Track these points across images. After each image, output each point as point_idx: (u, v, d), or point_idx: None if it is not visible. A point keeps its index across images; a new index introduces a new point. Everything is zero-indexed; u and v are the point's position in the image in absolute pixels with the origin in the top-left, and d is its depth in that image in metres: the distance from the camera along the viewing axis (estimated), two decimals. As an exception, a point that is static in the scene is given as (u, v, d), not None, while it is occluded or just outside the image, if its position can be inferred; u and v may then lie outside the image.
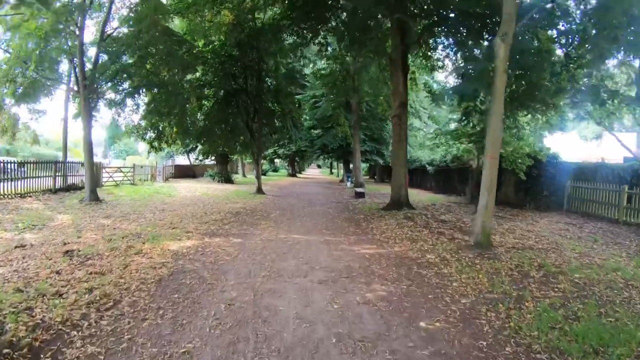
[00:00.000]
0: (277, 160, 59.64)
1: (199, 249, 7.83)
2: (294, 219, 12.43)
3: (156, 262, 6.70)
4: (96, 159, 21.14)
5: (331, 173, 67.04)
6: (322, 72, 23.69)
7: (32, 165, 16.26)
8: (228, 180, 29.95)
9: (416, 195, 21.41)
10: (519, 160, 16.91)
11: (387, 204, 15.65)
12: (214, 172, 30.92)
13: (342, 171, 58.63)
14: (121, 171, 23.50)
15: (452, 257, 7.87)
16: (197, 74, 19.80)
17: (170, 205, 14.66)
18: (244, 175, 41.29)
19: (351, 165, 39.96)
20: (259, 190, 20.10)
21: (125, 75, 15.95)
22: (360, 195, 20.64)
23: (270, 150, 42.55)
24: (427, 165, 29.76)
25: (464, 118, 14.82)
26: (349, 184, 30.74)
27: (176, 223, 10.73)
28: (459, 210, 16.10)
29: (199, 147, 24.96)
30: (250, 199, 17.90)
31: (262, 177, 44.98)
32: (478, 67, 11.71)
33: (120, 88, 16.15)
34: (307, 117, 36.23)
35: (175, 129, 17.22)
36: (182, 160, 38.60)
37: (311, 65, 33.12)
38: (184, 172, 34.64)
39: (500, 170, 18.12)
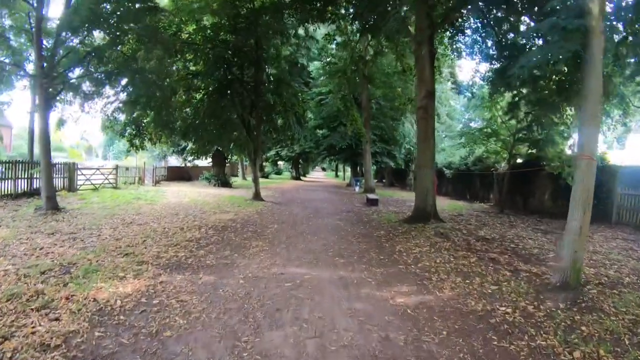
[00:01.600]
0: (280, 163, 56.85)
1: (143, 299, 4.97)
2: (296, 237, 9.53)
3: (58, 332, 3.89)
4: (97, 161, 18.98)
5: (337, 176, 64.15)
6: (330, 58, 20.65)
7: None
8: (225, 183, 27.16)
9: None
10: (568, 164, 14.11)
11: (411, 216, 12.82)
12: (209, 174, 28.13)
13: (348, 174, 55.88)
14: (101, 173, 20.73)
15: (536, 310, 5.19)
16: (188, 63, 17.06)
17: (143, 216, 11.84)
18: (244, 178, 38.52)
19: (359, 168, 37.29)
20: (257, 196, 17.26)
21: (96, 59, 13.24)
22: (373, 202, 17.78)
23: (272, 152, 39.80)
24: (444, 169, 26.91)
25: (509, 111, 11.99)
26: (357, 188, 27.93)
27: (135, 245, 7.91)
28: (494, 223, 13.34)
29: (190, 146, 21.90)
30: (244, 207, 15.06)
31: (264, 180, 42.47)
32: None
33: (89, 75, 13.40)
34: (312, 116, 33.51)
35: (153, 124, 14.40)
36: (176, 161, 35.69)
37: (316, 63, 30.60)
38: (177, 175, 31.91)
39: (530, 174, 15.09)
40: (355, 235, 10.01)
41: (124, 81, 13.70)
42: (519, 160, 19.17)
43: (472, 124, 47.29)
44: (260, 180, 39.58)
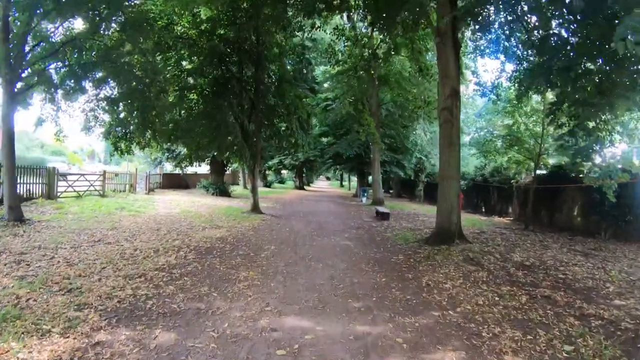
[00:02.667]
0: (284, 172, 55.11)
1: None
2: (296, 264, 7.67)
3: None
4: (99, 166, 17.48)
5: (342, 186, 62.34)
6: (339, 55, 18.81)
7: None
8: (223, 192, 25.40)
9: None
10: (612, 176, 12.30)
11: (432, 235, 10.96)
12: (207, 182, 26.37)
13: (353, 184, 54.03)
14: (86, 179, 19.00)
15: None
16: (182, 60, 15.40)
17: (117, 232, 10.04)
18: (245, 187, 36.67)
19: (367, 178, 35.48)
20: (255, 208, 15.45)
21: (74, 50, 11.63)
22: (384, 216, 15.95)
23: (275, 160, 38.06)
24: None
25: (550, 113, 10.17)
26: (364, 199, 26.12)
27: (87, 275, 6.11)
28: (524, 243, 11.77)
29: (183, 151, 19.89)
30: (240, 222, 13.24)
31: (266, 189, 40.59)
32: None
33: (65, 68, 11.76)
34: (317, 124, 31.86)
35: (136, 125, 12.66)
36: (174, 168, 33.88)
37: (322, 67, 29.00)
38: (174, 182, 30.18)
39: (555, 187, 13.52)
40: (370, 262, 8.16)
41: (104, 76, 11.99)
42: (538, 172, 17.47)
43: (482, 133, 45.66)
44: (262, 189, 38.03)
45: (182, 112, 14.18)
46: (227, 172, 35.90)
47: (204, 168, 33.06)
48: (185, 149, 16.82)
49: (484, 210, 23.91)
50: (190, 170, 41.45)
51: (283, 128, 15.90)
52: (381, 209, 17.14)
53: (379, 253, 9.15)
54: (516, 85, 14.08)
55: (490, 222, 17.81)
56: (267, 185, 43.42)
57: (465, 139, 41.15)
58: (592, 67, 9.19)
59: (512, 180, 20.37)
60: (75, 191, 17.74)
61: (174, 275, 6.31)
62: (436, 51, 11.88)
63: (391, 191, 39.11)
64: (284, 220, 14.26)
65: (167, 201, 19.53)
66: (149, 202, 18.64)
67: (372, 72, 18.10)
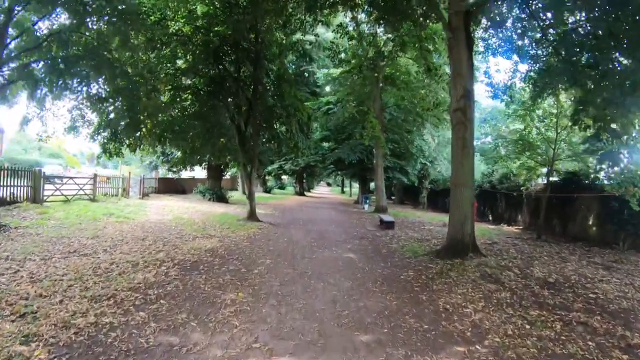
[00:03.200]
0: (284, 177, 54.18)
1: None
2: (293, 283, 6.71)
3: None
4: (98, 170, 16.60)
5: (342, 192, 61.39)
6: (343, 55, 17.79)
7: None
8: (221, 198, 24.49)
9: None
10: (636, 183, 11.48)
11: (444, 247, 10.04)
12: (204, 187, 25.43)
13: (355, 190, 53.05)
14: (75, 183, 18.09)
15: None
16: (177, 59, 14.53)
17: (97, 242, 9.13)
18: (244, 192, 35.71)
19: (372, 185, 34.57)
20: (252, 216, 14.51)
21: (58, 44, 10.79)
22: (389, 225, 15.02)
23: (275, 165, 37.16)
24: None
25: (575, 114, 9.27)
26: (366, 206, 25.21)
27: (49, 295, 5.22)
28: (540, 255, 10.93)
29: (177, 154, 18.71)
30: (234, 230, 12.31)
31: (265, 195, 39.58)
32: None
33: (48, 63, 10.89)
34: (318, 128, 31.02)
35: (122, 126, 11.76)
36: (170, 172, 32.90)
37: (323, 70, 28.19)
38: (170, 187, 29.23)
39: (567, 195, 12.64)
40: (377, 279, 7.23)
41: (89, 72, 11.11)
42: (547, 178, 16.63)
43: (489, 138, 44.73)
44: (262, 195, 37.07)
45: (176, 112, 13.25)
46: (226, 177, 35.06)
47: (202, 173, 32.10)
48: (178, 152, 15.80)
49: (491, 218, 23.01)
50: (187, 175, 40.76)
51: (282, 130, 14.94)
52: (385, 217, 16.22)
53: (387, 268, 8.22)
54: (530, 86, 13.31)
55: (499, 232, 16.93)
56: (267, 190, 42.52)
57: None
58: (624, 61, 8.33)
59: (522, 187, 19.47)
60: (63, 195, 16.84)
61: (149, 298, 5.38)
62: (447, 48, 11.03)
63: (393, 198, 38.17)
64: (282, 229, 13.33)
65: (161, 207, 18.63)
66: (141, 207, 17.74)
67: (377, 72, 17.09)
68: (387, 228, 14.85)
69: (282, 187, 54.51)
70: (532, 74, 12.98)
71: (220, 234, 11.34)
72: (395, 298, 6.12)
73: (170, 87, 13.79)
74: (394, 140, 26.68)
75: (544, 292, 7.01)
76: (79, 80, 11.25)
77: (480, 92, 18.70)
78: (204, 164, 26.38)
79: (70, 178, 18.69)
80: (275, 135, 14.97)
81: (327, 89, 29.10)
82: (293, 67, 29.86)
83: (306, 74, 32.19)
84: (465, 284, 7.23)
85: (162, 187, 28.04)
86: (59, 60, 10.77)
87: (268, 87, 14.53)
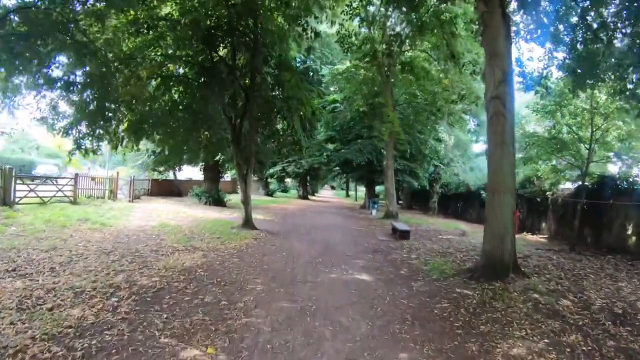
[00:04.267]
0: (288, 180, 52.29)
1: None
2: (289, 327, 4.76)
3: None
4: (99, 170, 14.78)
5: (347, 196, 59.44)
6: (353, 38, 15.64)
7: None
8: (218, 201, 22.67)
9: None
10: None
11: (479, 267, 8.15)
12: (200, 190, 23.62)
13: (360, 194, 51.05)
14: (54, 184, 16.34)
15: None
16: (165, 44, 12.74)
17: (50, 256, 7.31)
18: (244, 195, 33.95)
19: (377, 188, 32.69)
20: (247, 223, 12.63)
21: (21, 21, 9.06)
22: (404, 235, 13.14)
23: (277, 168, 35.32)
24: (481, 191, 22.35)
25: None
26: (374, 212, 23.33)
27: None
28: (585, 273, 8.98)
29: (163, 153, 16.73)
30: (225, 240, 10.45)
31: (267, 198, 37.68)
32: None
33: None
34: (323, 128, 29.21)
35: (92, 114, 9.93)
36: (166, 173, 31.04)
37: (329, 66, 26.46)
38: (165, 189, 27.46)
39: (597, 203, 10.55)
40: (405, 317, 5.34)
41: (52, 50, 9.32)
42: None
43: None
44: (263, 199, 35.08)
45: (159, 103, 11.38)
46: (225, 179, 33.42)
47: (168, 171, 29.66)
48: (162, 150, 13.82)
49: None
50: (185, 175, 38.99)
51: (284, 126, 13.00)
52: (399, 225, 14.34)
53: (413, 297, 6.35)
54: (567, 75, 11.61)
55: (525, 242, 15.10)
56: (269, 194, 40.70)
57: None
58: None
59: (548, 192, 17.61)
60: (39, 197, 15.08)
61: (67, 356, 3.55)
62: (481, 24, 9.17)
63: (401, 202, 36.15)
64: (282, 240, 11.46)
65: (149, 211, 16.87)
66: (126, 211, 15.99)
67: (392, 60, 14.96)
68: (402, 238, 12.99)
69: (285, 190, 52.61)
70: (569, 61, 11.29)
71: (207, 246, 9.50)
72: (435, 351, 4.26)
73: (156, 75, 12.00)
74: (407, 141, 24.79)
75: (620, 331, 5.37)
76: (38, 60, 9.46)
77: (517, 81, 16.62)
78: (200, 164, 24.58)
79: (48, 178, 16.93)
80: (275, 131, 13.07)
81: (332, 89, 27.29)
82: (298, 65, 28.16)
83: (311, 73, 30.41)
84: (521, 322, 5.42)
85: (155, 189, 26.28)
86: (13, 36, 9.00)
87: (267, 77, 12.67)
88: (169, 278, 6.44)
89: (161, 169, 13.80)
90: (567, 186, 17.52)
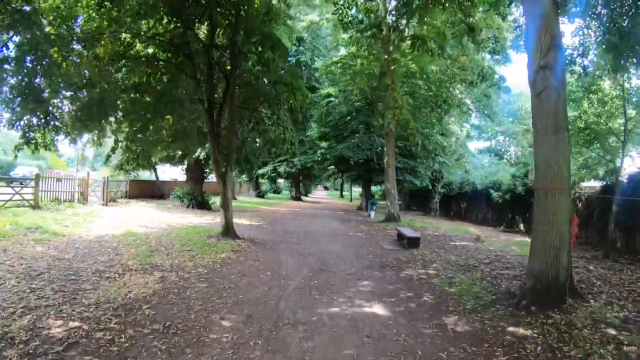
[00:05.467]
0: (280, 181, 50.19)
1: None
2: None
3: None
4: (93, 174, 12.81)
5: (342, 196, 57.44)
6: (353, 13, 13.40)
7: None
8: (202, 204, 20.56)
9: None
10: None
11: (528, 291, 6.11)
12: (182, 191, 21.48)
13: (355, 194, 49.13)
14: (9, 186, 14.16)
15: None
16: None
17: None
18: (233, 197, 31.78)
19: (374, 188, 30.81)
20: (228, 231, 10.50)
21: None
22: (413, 242, 11.16)
23: (269, 167, 33.27)
24: (491, 191, 20.47)
25: None
26: (372, 214, 21.37)
27: None
28: (636, 286, 7.13)
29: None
30: (197, 255, 8.34)
31: (258, 199, 35.56)
32: None
33: None
34: (316, 124, 27.26)
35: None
36: (155, 173, 28.61)
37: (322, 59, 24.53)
38: (146, 191, 25.35)
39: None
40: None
41: None
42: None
43: (501, 139, 40.94)
44: (253, 200, 32.95)
45: (112, 85, 9.15)
46: (211, 179, 31.41)
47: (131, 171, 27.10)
48: (117, 141, 11.45)
49: (523, 228, 19.27)
50: (169, 176, 36.73)
51: (268, 115, 10.83)
52: (405, 230, 12.36)
53: (453, 345, 4.33)
54: (609, 52, 9.82)
55: None
56: (260, 195, 38.58)
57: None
58: None
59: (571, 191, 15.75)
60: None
61: None
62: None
63: (399, 203, 34.27)
64: (268, 252, 9.37)
65: (119, 216, 14.81)
66: (92, 217, 13.93)
67: (394, 39, 12.80)
68: (411, 246, 11.01)
69: (277, 191, 50.54)
70: (610, 36, 9.52)
71: (170, 264, 7.42)
72: None
73: (119, 56, 9.88)
74: (405, 137, 22.85)
75: None
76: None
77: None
78: (181, 164, 22.44)
79: (14, 180, 14.76)
80: (260, 122, 10.90)
81: (326, 83, 25.34)
82: (289, 59, 26.23)
83: (303, 67, 28.45)
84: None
85: (135, 190, 24.14)
86: None
87: (249, 58, 10.56)
88: (94, 322, 4.37)
89: (128, 167, 11.75)
90: (590, 184, 15.73)
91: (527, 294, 6.02)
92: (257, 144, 12.60)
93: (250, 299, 5.48)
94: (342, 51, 21.66)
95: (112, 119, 7.60)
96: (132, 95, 8.11)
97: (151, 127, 8.98)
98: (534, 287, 6.00)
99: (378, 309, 5.44)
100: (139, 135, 8.86)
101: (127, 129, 8.99)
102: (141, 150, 9.43)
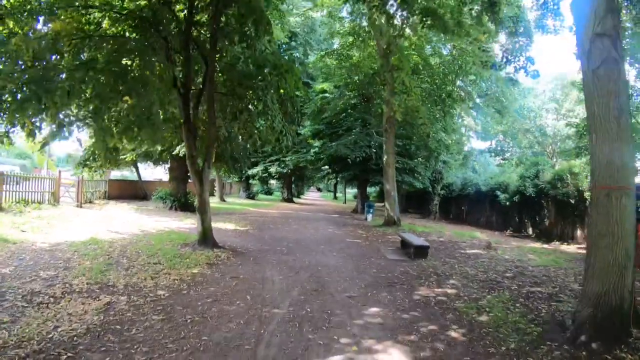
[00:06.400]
0: (272, 182, 48.51)
1: None
2: None
3: None
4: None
5: (335, 198, 56.00)
6: None
7: None
8: (185, 206, 18.97)
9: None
10: None
11: (582, 318, 4.69)
12: (164, 192, 19.88)
13: (349, 196, 47.69)
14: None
15: None
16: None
17: None
18: (222, 198, 30.21)
19: (369, 190, 29.45)
20: (205, 239, 8.95)
21: None
22: (421, 252, 9.74)
23: (259, 168, 31.74)
24: (499, 192, 19.17)
25: None
26: (370, 217, 19.98)
27: None
28: None
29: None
30: (161, 271, 6.75)
31: (248, 201, 33.91)
32: None
33: None
34: (308, 123, 25.84)
35: None
36: (143, 172, 26.89)
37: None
38: (128, 192, 23.77)
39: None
40: None
41: None
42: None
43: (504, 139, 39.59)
44: (243, 202, 31.31)
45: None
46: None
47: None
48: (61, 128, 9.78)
49: (531, 232, 18.02)
50: (155, 175, 35.06)
51: (254, 102, 9.27)
52: (411, 238, 10.90)
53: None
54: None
55: (567, 256, 12.09)
56: (251, 196, 36.99)
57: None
58: None
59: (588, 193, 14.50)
60: None
61: None
62: None
63: (395, 205, 32.89)
64: (251, 265, 7.85)
65: (90, 219, 13.30)
66: (57, 220, 12.45)
67: (401, 14, 11.19)
68: (419, 256, 9.58)
69: (269, 193, 48.91)
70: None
71: (126, 283, 5.90)
72: None
73: (82, 32, 8.35)
74: (403, 136, 21.46)
75: None
76: None
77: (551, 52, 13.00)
78: (166, 164, 20.89)
79: None
80: (244, 109, 9.30)
81: (321, 80, 24.01)
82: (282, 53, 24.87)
83: (298, 64, 27.02)
84: None
85: (115, 191, 22.53)
86: None
87: (233, 36, 9.03)
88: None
89: (94, 165, 10.16)
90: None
91: (584, 325, 4.61)
92: (241, 139, 10.94)
93: (218, 342, 3.98)
94: (337, 45, 20.36)
95: (58, 100, 6.06)
96: (89, 74, 6.54)
97: (109, 112, 7.35)
98: (594, 317, 4.59)
99: (396, 353, 3.99)
100: (91, 121, 7.28)
101: (77, 111, 7.38)
102: (102, 142, 7.83)
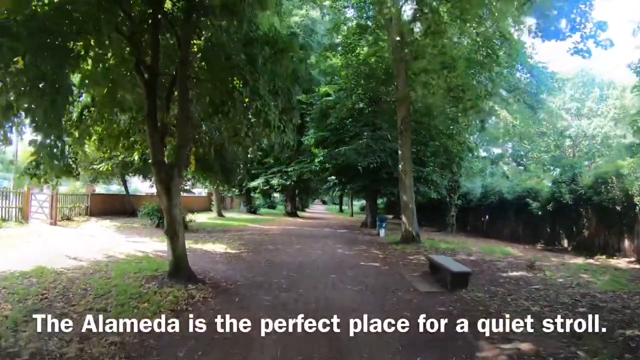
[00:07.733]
0: (276, 195, 46.27)
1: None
2: None
3: None
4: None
5: (341, 211, 53.65)
6: None
7: None
8: (175, 223, 16.83)
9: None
10: None
11: None
12: (151, 208, 17.73)
13: (355, 208, 45.39)
14: None
15: None
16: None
17: None
18: (220, 214, 28.01)
19: (380, 201, 27.23)
20: (177, 270, 6.68)
21: None
22: (459, 279, 7.55)
23: (260, 180, 29.70)
24: (529, 200, 17.00)
25: None
26: (382, 232, 17.88)
27: None
28: None
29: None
30: (103, 323, 4.68)
31: (249, 216, 31.67)
32: None
33: None
34: (312, 130, 23.85)
35: None
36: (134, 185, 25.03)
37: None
38: (113, 207, 21.69)
39: None
40: None
41: None
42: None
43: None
44: (243, 217, 29.06)
45: None
46: (194, 193, 28.00)
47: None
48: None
49: (566, 245, 15.88)
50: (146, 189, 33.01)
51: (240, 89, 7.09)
52: (446, 262, 8.67)
53: None
54: None
55: (625, 274, 10.05)
56: (252, 210, 34.73)
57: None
58: None
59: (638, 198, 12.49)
60: None
61: None
62: None
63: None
64: (234, 312, 5.50)
65: (55, 241, 11.29)
66: (12, 241, 10.48)
67: None
68: (456, 286, 7.41)
69: (272, 206, 46.61)
70: None
71: (37, 350, 3.79)
72: None
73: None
74: (418, 142, 19.32)
75: None
76: None
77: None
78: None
79: None
80: (226, 99, 7.09)
81: (324, 85, 22.33)
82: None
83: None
84: None
85: (98, 206, 20.47)
86: None
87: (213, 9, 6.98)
88: None
89: (42, 174, 8.25)
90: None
91: None
92: (226, 141, 8.72)
93: None
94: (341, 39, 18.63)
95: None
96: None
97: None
98: None
99: None
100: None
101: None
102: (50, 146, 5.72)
